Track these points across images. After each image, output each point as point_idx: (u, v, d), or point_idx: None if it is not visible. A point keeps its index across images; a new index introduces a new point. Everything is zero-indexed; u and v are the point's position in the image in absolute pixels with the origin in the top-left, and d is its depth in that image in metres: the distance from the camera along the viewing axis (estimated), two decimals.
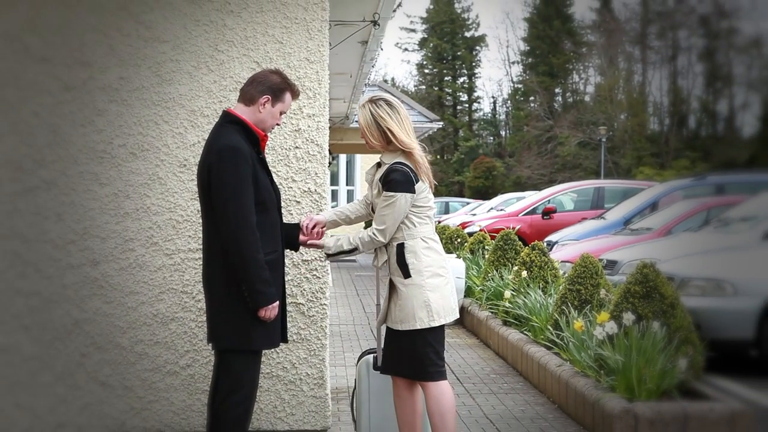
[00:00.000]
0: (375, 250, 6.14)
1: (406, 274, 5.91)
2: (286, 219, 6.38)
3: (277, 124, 6.00)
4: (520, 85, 79.20)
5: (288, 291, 6.31)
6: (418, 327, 5.83)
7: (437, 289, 5.92)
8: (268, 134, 6.02)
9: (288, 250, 6.33)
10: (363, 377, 6.56)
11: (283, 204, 6.25)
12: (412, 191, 5.91)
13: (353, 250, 6.08)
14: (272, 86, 5.82)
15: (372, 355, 6.58)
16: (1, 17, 6.64)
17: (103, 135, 6.73)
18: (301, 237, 6.19)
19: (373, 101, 6.00)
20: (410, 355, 5.93)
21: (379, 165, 6.10)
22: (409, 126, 6.06)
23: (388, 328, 6.08)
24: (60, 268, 6.70)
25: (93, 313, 6.72)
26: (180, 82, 6.76)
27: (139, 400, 6.75)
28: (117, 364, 6.74)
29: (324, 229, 6.34)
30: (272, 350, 6.59)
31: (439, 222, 27.39)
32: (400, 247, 5.95)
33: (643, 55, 75.84)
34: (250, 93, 5.84)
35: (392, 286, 6.02)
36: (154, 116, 6.75)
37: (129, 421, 6.74)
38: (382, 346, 6.23)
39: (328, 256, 6.24)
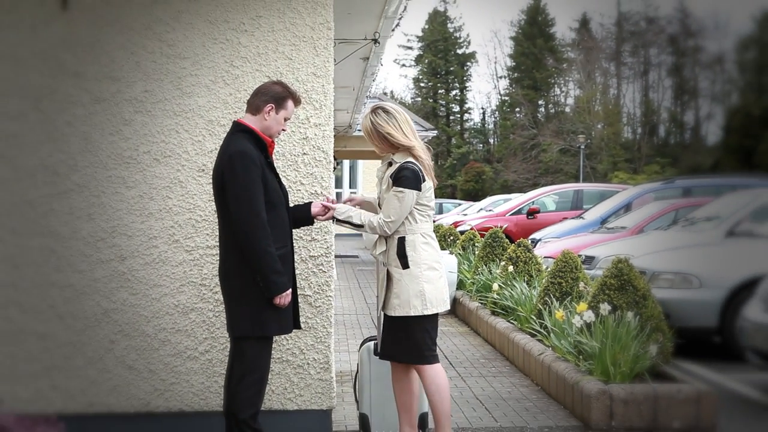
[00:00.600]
0: (374, 240, 6.22)
1: (405, 266, 5.95)
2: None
3: (283, 130, 6.03)
4: (506, 98, 79.12)
5: (297, 284, 6.30)
6: (412, 314, 5.88)
7: (432, 281, 5.96)
8: (276, 140, 6.06)
9: (296, 248, 6.34)
10: (364, 362, 6.61)
11: (291, 204, 6.24)
12: (419, 189, 5.98)
13: (359, 226, 6.09)
14: (275, 95, 5.85)
15: (373, 342, 6.61)
16: (38, 36, 6.64)
17: (130, 143, 6.72)
18: (314, 210, 6.20)
19: (372, 111, 6.12)
20: (408, 341, 5.97)
21: (390, 163, 6.13)
22: (409, 127, 6.12)
23: (386, 316, 6.09)
24: (91, 263, 6.70)
25: (120, 304, 6.72)
26: (199, 94, 6.75)
27: (162, 382, 6.74)
28: (142, 349, 6.73)
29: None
30: (282, 337, 6.58)
31: (434, 221, 27.31)
32: (401, 241, 5.98)
33: (618, 71, 75.90)
34: (255, 103, 5.88)
35: (389, 276, 6.02)
36: (175, 126, 6.75)
37: (153, 402, 6.74)
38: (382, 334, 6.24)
39: (336, 220, 6.19)
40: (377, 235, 6.15)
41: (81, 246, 6.69)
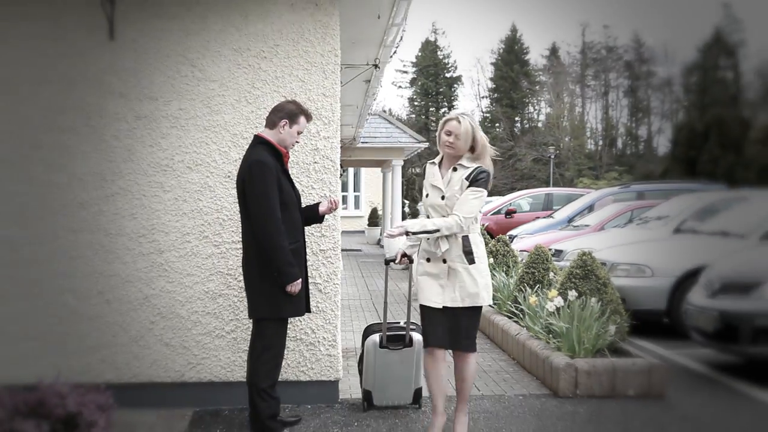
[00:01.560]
0: (433, 240, 5.64)
1: (471, 261, 5.57)
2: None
3: (297, 142, 6.05)
4: (488, 114, 78.85)
5: (308, 273, 6.30)
6: (481, 303, 5.59)
7: (489, 275, 5.75)
8: (290, 150, 6.06)
9: (307, 243, 6.35)
10: (370, 352, 6.48)
11: (302, 205, 6.24)
12: (488, 192, 5.73)
13: (435, 231, 5.56)
14: (289, 112, 5.87)
15: (378, 334, 6.48)
16: (88, 62, 6.64)
17: (166, 153, 6.72)
18: (322, 209, 6.23)
19: (468, 116, 5.71)
20: (468, 330, 5.64)
21: (455, 168, 5.66)
22: None
23: (435, 309, 5.59)
24: (133, 256, 6.70)
25: (159, 291, 6.72)
26: (225, 112, 6.75)
27: (195, 357, 6.74)
28: (177, 329, 6.74)
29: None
30: (297, 319, 6.59)
31: None
32: (466, 239, 5.59)
33: (582, 92, 75.92)
34: (272, 119, 5.90)
35: (453, 271, 5.58)
36: (205, 138, 6.74)
37: (187, 373, 6.74)
38: (423, 325, 5.79)
39: (410, 233, 5.68)
40: (426, 238, 5.67)
41: (125, 241, 6.70)
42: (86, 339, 6.65)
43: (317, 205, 6.25)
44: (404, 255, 5.90)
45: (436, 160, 5.87)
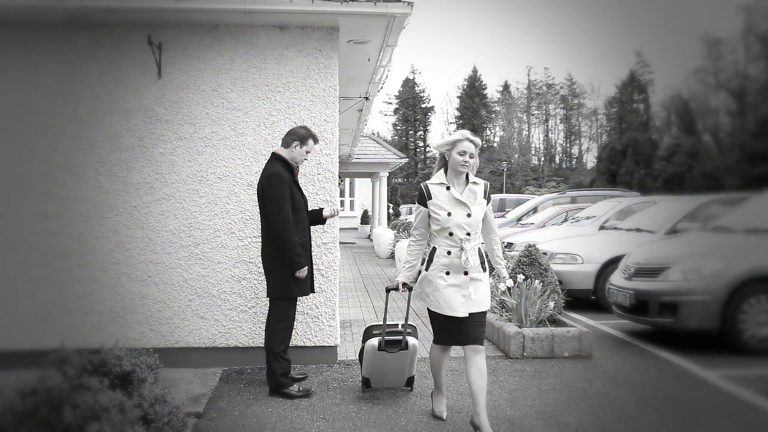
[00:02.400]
0: (461, 251, 4.75)
1: (484, 270, 4.84)
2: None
3: (305, 159, 6.01)
4: None
5: (313, 261, 6.29)
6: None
7: None
8: (300, 166, 6.04)
9: (312, 238, 6.34)
10: (369, 353, 5.72)
11: (309, 208, 6.23)
12: None
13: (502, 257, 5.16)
14: (300, 136, 5.86)
15: (377, 338, 5.71)
16: (141, 96, 6.61)
17: (202, 167, 6.69)
18: (325, 213, 6.20)
19: (476, 134, 5.00)
20: (482, 326, 4.84)
21: (471, 187, 4.88)
22: None
23: (456, 318, 4.78)
24: (175, 247, 6.67)
25: (195, 275, 6.69)
26: (248, 134, 6.72)
27: (224, 327, 6.71)
28: (210, 306, 6.71)
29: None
30: (304, 297, 6.57)
31: (405, 221, 27.23)
32: (480, 251, 4.86)
33: (528, 119, 76.20)
34: (286, 140, 5.89)
35: (475, 280, 4.79)
36: (232, 155, 6.71)
37: (218, 340, 6.71)
38: (441, 329, 4.96)
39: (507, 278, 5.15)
40: (446, 253, 4.79)
41: (168, 236, 6.67)
42: (138, 313, 6.61)
43: (321, 210, 6.23)
44: (404, 284, 5.16)
45: (443, 180, 4.89)
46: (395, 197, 55.85)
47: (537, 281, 7.69)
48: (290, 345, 6.00)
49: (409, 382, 5.98)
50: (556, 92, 76.74)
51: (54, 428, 3.13)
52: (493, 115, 78.48)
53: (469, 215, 4.78)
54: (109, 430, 3.17)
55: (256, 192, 6.12)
